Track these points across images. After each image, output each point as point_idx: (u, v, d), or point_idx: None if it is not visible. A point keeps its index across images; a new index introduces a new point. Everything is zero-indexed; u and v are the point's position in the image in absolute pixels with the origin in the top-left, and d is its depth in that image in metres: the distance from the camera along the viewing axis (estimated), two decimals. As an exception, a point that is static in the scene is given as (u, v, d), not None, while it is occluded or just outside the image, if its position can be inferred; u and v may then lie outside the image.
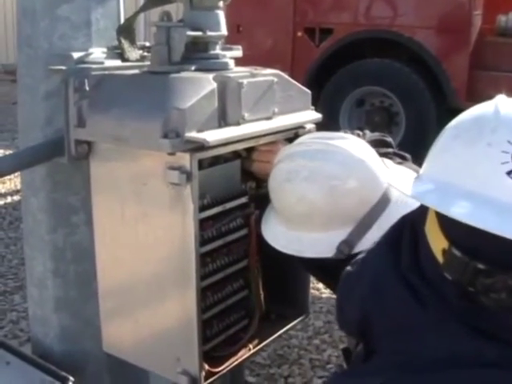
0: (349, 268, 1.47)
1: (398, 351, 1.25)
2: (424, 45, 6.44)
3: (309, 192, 1.70)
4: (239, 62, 1.99)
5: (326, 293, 3.92)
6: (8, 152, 6.98)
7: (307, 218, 1.73)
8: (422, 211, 1.27)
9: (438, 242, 1.19)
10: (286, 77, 1.97)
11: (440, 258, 1.18)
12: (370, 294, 1.32)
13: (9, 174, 2.05)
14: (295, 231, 1.77)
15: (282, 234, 1.81)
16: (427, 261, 1.23)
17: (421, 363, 1.20)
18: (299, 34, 6.96)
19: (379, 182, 1.71)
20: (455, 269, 1.14)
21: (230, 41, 1.97)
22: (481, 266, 1.11)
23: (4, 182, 5.87)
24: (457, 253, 1.13)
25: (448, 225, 1.15)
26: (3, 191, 5.81)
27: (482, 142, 1.10)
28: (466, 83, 6.41)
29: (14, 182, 5.86)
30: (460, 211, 1.07)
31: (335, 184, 1.68)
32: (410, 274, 1.25)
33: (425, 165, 1.25)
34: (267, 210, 1.91)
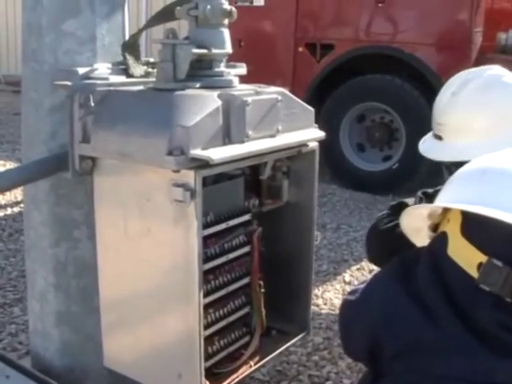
0: (349, 297, 1.51)
1: (409, 370, 1.26)
2: (425, 61, 6.45)
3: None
4: (241, 76, 2.00)
5: (326, 309, 3.91)
6: (8, 163, 6.98)
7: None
8: (435, 244, 1.34)
9: (471, 258, 1.23)
10: (290, 95, 1.98)
11: (474, 273, 1.22)
12: (381, 323, 1.35)
13: (13, 188, 2.06)
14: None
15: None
16: (456, 279, 1.26)
17: (432, 382, 1.22)
18: (300, 49, 6.97)
19: None
20: (495, 279, 1.19)
21: (231, 56, 1.98)
22: None
23: (4, 194, 5.87)
24: (498, 263, 1.19)
25: (485, 240, 1.23)
26: (3, 203, 5.79)
27: None
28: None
29: (14, 193, 5.85)
30: None
31: None
32: (431, 290, 1.29)
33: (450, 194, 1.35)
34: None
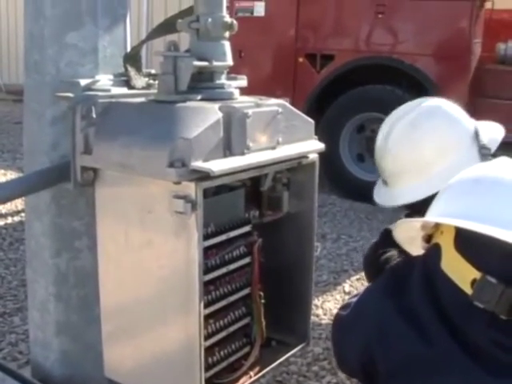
0: (341, 312, 1.50)
1: None
2: (424, 72, 6.48)
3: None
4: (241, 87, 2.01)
5: (326, 319, 3.92)
6: (9, 172, 7.00)
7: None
8: (428, 257, 1.32)
9: (465, 274, 1.21)
10: (290, 107, 1.99)
11: (468, 289, 1.20)
12: (376, 333, 1.34)
13: (14, 198, 2.06)
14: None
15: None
16: (449, 295, 1.24)
17: None
18: (300, 59, 7.00)
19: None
20: (490, 296, 1.17)
21: (231, 66, 1.99)
22: None
23: (4, 203, 5.87)
24: (492, 280, 1.17)
25: (479, 256, 1.20)
26: (4, 212, 5.80)
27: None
28: (465, 110, 6.44)
29: (14, 202, 5.85)
30: None
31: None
32: (423, 306, 1.27)
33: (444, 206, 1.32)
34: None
